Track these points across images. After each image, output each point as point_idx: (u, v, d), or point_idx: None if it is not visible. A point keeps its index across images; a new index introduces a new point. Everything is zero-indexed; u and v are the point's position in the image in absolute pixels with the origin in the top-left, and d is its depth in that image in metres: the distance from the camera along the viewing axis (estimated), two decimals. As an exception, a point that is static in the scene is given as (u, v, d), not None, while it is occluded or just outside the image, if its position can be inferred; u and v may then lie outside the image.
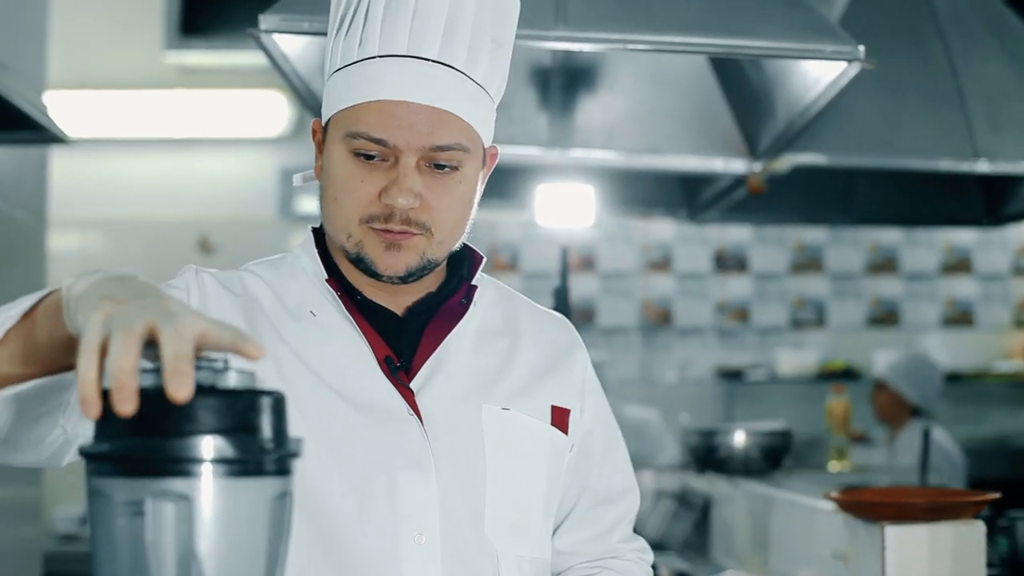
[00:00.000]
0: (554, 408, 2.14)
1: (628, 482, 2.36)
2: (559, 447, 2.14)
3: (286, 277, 2.13)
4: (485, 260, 2.22)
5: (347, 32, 2.01)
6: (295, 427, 1.92)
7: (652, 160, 4.66)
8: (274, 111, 8.22)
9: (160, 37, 7.90)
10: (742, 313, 8.43)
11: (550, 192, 4.68)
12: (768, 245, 8.44)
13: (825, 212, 5.88)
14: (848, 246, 8.44)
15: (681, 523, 5.55)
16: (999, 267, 8.51)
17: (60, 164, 5.67)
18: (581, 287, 8.09)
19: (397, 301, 2.10)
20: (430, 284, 2.12)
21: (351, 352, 2.04)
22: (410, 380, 2.03)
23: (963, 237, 8.46)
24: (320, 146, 2.09)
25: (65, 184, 6.56)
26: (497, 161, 2.16)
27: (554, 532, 2.23)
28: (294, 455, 1.42)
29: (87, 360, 1.29)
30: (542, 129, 4.58)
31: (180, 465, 1.31)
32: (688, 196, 5.50)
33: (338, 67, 2.03)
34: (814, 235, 8.40)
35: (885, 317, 8.46)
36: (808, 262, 8.44)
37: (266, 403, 1.36)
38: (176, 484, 1.30)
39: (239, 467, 1.34)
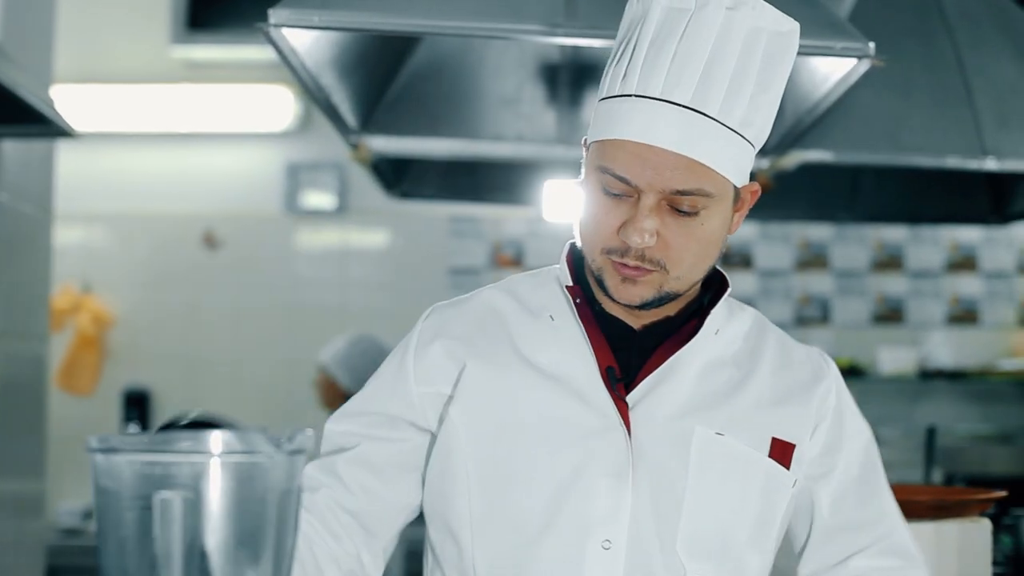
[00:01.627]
0: (775, 440, 2.13)
1: (883, 511, 2.29)
2: (777, 480, 2.13)
3: (539, 284, 2.23)
4: (730, 289, 2.21)
5: (617, 61, 2.05)
6: (507, 420, 2.06)
7: (659, 156, 4.65)
8: (281, 106, 8.21)
9: (167, 31, 7.89)
10: (747, 310, 8.43)
11: (557, 188, 4.68)
12: (773, 242, 8.42)
13: (831, 209, 5.88)
14: (853, 243, 8.42)
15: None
16: (1004, 265, 8.49)
17: (66, 158, 5.67)
18: (586, 283, 8.07)
19: (637, 316, 2.14)
20: (674, 306, 2.15)
21: (577, 357, 2.11)
22: (628, 393, 2.08)
23: (968, 235, 8.44)
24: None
25: (71, 178, 6.56)
26: (751, 197, 2.14)
27: (799, 560, 2.26)
28: (301, 451, 1.42)
29: None
30: (550, 125, 4.57)
31: (189, 459, 1.31)
32: (694, 193, 5.49)
33: (604, 95, 2.06)
34: (819, 232, 8.38)
35: (890, 315, 8.44)
36: (813, 259, 8.42)
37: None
38: (185, 479, 1.30)
39: (247, 462, 1.34)
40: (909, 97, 4.39)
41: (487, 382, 2.11)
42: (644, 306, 2.06)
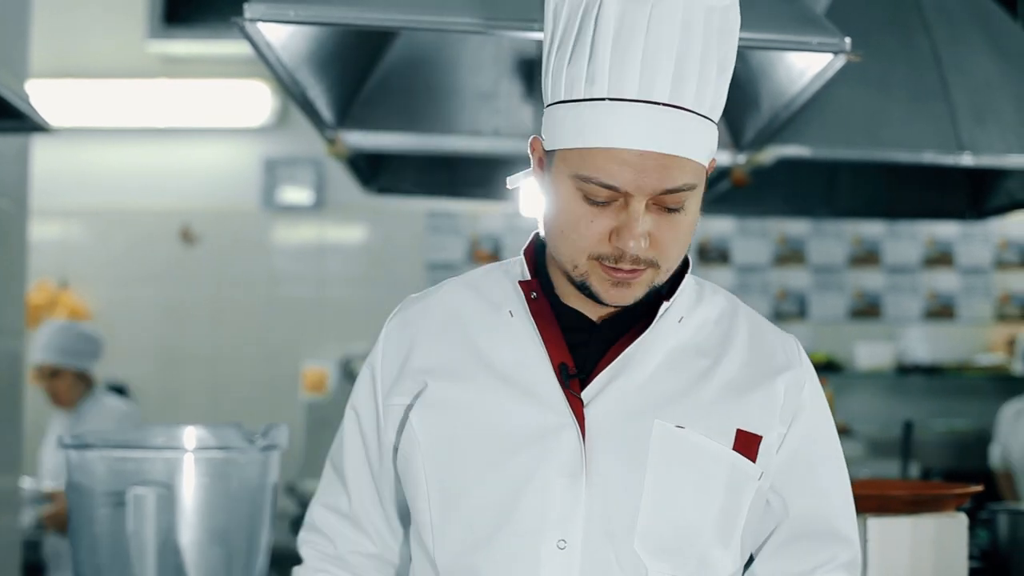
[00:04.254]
0: (740, 432, 2.07)
1: (841, 529, 2.20)
2: (743, 474, 2.07)
3: (503, 276, 2.20)
4: (690, 268, 2.18)
5: (570, 59, 1.98)
6: (464, 424, 2.04)
7: (637, 151, 4.65)
8: (257, 101, 8.20)
9: (143, 26, 7.88)
10: (725, 305, 8.44)
11: (534, 183, 4.66)
12: (751, 237, 8.43)
13: (808, 205, 5.87)
14: (831, 239, 8.44)
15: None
16: (981, 261, 8.52)
17: (42, 153, 5.65)
18: (564, 278, 8.07)
19: (596, 308, 2.10)
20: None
21: (532, 355, 2.08)
22: (584, 388, 2.05)
23: (945, 230, 8.47)
24: (541, 164, 2.08)
25: (47, 173, 6.55)
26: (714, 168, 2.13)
27: (756, 557, 2.19)
28: (275, 447, 1.41)
29: None
30: (527, 120, 4.57)
31: (162, 455, 1.31)
32: (672, 188, 5.48)
33: (563, 99, 2.00)
34: (797, 228, 8.40)
35: (867, 310, 8.46)
36: (791, 254, 8.43)
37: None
38: (158, 474, 1.29)
39: (220, 458, 1.33)
40: (886, 93, 4.39)
41: (445, 390, 2.09)
42: (633, 306, 2.05)
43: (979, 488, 3.29)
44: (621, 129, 1.93)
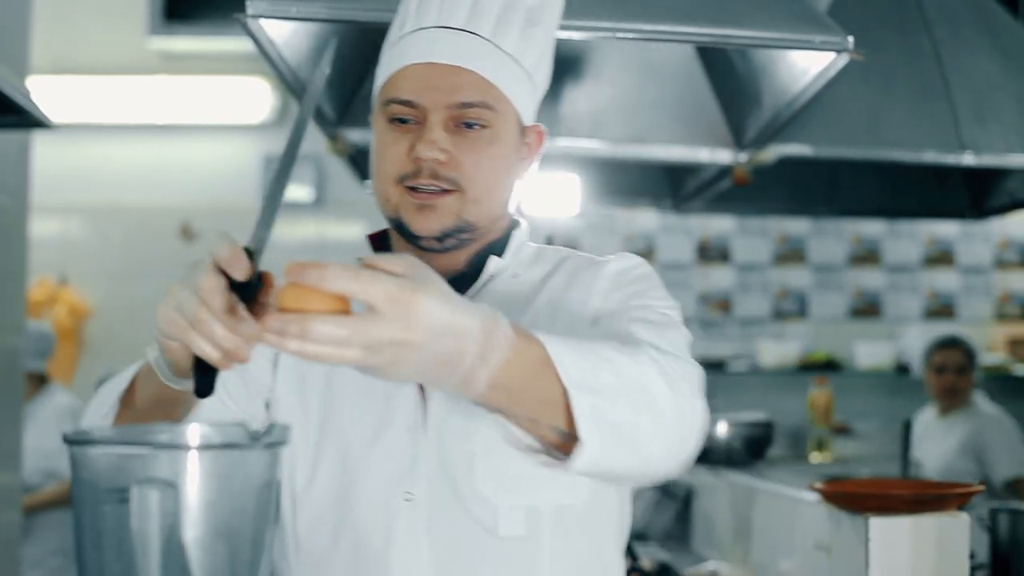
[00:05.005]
0: None
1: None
2: None
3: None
4: (524, 228, 2.23)
5: (395, 21, 2.13)
6: (320, 387, 2.07)
7: (638, 149, 4.64)
8: (258, 98, 8.20)
9: (144, 22, 7.88)
10: (724, 304, 8.43)
11: (535, 181, 4.66)
12: (751, 236, 8.43)
13: (809, 204, 5.87)
14: (831, 238, 8.44)
15: (663, 514, 5.55)
16: (981, 260, 8.52)
17: (43, 149, 5.65)
18: (564, 277, 8.07)
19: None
20: (465, 258, 2.14)
21: None
22: None
23: (946, 230, 8.47)
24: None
25: (47, 169, 6.54)
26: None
27: None
28: (281, 443, 1.41)
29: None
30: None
31: (166, 452, 1.30)
32: (673, 186, 5.49)
33: (384, 52, 2.13)
34: (797, 226, 8.40)
35: (867, 309, 8.46)
36: (791, 253, 8.44)
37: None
38: (162, 471, 1.29)
39: (225, 454, 1.33)
40: (887, 92, 4.39)
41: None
42: (443, 238, 2.05)
43: (980, 488, 3.29)
44: (417, 49, 2.05)
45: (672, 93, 4.57)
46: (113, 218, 8.25)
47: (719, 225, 8.38)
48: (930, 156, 4.32)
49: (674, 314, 2.02)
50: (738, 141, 4.43)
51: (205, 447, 1.32)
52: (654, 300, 2.05)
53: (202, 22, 7.88)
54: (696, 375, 1.84)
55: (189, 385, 1.59)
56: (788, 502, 3.94)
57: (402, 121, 2.04)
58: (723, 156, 4.52)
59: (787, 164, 4.40)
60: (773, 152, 4.26)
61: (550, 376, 1.60)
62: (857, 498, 3.26)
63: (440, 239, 2.06)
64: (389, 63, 2.09)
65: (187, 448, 1.31)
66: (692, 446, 1.78)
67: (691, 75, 4.47)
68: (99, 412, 1.89)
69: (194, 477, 1.31)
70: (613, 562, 2.18)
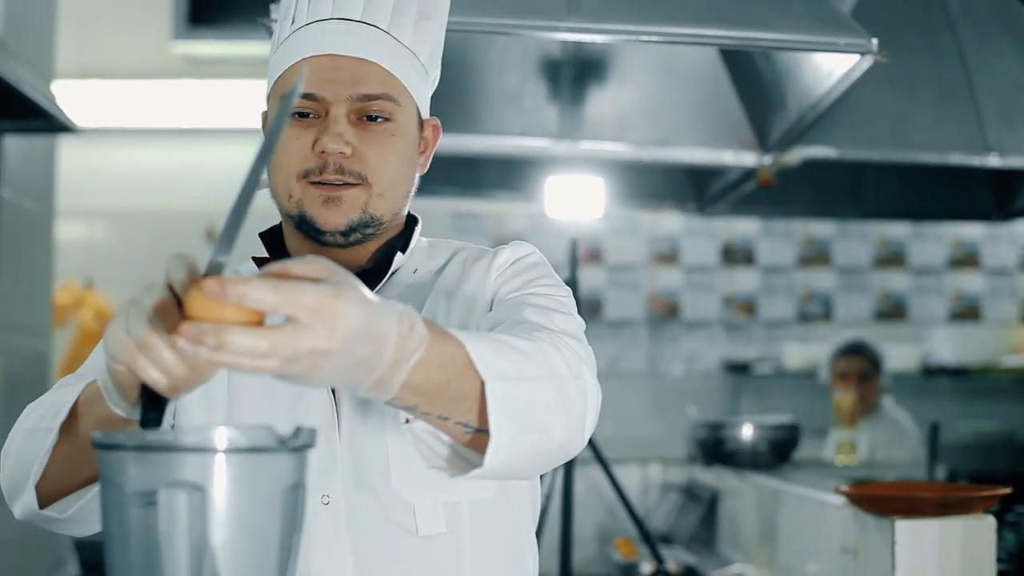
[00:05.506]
0: None
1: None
2: None
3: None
4: (420, 223, 2.22)
5: (283, 16, 2.12)
6: (229, 392, 2.03)
7: (662, 152, 4.65)
8: (282, 101, 8.22)
9: (168, 26, 7.90)
10: (749, 306, 8.42)
11: (559, 184, 4.66)
12: (776, 238, 8.42)
13: (833, 206, 5.86)
14: (856, 240, 8.42)
15: (688, 516, 5.54)
16: (1007, 262, 8.49)
17: (68, 154, 5.67)
18: (588, 280, 8.07)
19: None
20: (367, 255, 2.13)
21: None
22: None
23: (971, 232, 8.44)
24: (265, 121, 2.19)
25: (73, 174, 6.56)
26: (441, 138, 2.22)
27: None
28: (308, 446, 1.41)
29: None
30: (552, 121, 4.56)
31: (194, 455, 1.31)
32: (697, 189, 5.48)
33: (274, 46, 2.12)
34: (822, 229, 8.38)
35: (892, 311, 8.44)
36: (816, 256, 8.42)
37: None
38: (190, 474, 1.29)
39: (253, 458, 1.33)
40: (912, 94, 4.38)
41: None
42: (349, 232, 2.04)
43: (1007, 490, 3.29)
44: (315, 42, 2.03)
45: (696, 96, 4.57)
46: (138, 222, 8.27)
47: (743, 227, 8.37)
48: (955, 158, 4.31)
49: (567, 300, 2.01)
50: (762, 143, 4.43)
51: (232, 451, 1.32)
52: (546, 288, 2.04)
53: (227, 26, 7.89)
54: (590, 356, 1.84)
55: (137, 414, 1.51)
56: (814, 505, 3.93)
57: (302, 115, 2.02)
58: (747, 158, 4.52)
59: (811, 166, 4.40)
60: (797, 154, 4.26)
61: (465, 372, 1.58)
62: (883, 501, 3.25)
63: (345, 233, 2.04)
64: (284, 57, 2.07)
65: (215, 452, 1.31)
66: (590, 426, 1.77)
67: (715, 77, 4.47)
68: (34, 445, 1.83)
69: (221, 481, 1.31)
70: (528, 544, 2.17)
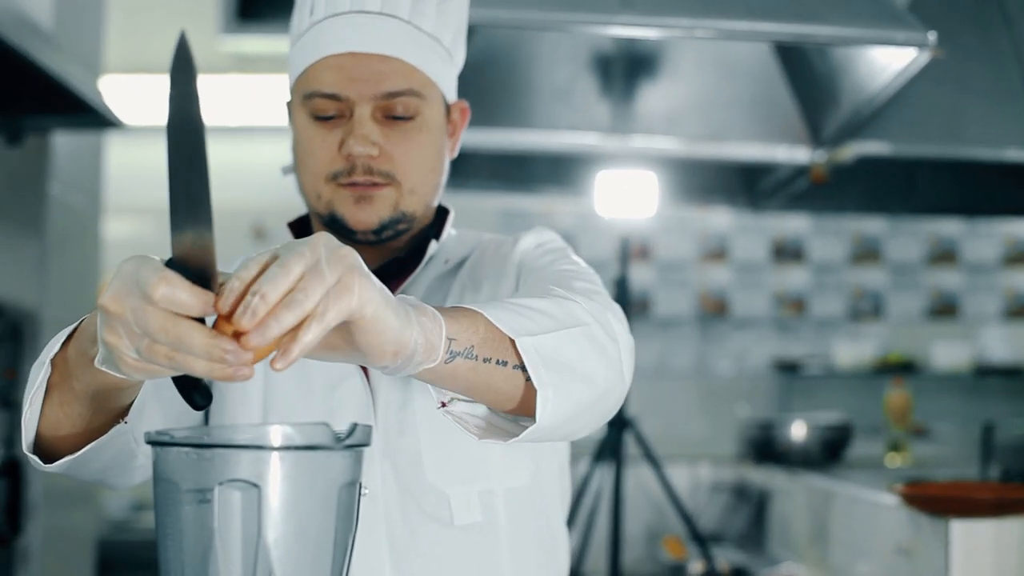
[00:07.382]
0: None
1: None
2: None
3: None
4: (452, 213, 2.21)
5: (299, 5, 2.10)
6: (264, 383, 2.01)
7: (714, 148, 4.62)
8: (329, 98, 8.22)
9: (217, 22, 7.91)
10: (799, 304, 8.38)
11: (610, 180, 4.64)
12: (826, 236, 8.37)
13: (886, 202, 5.82)
14: (907, 237, 8.37)
15: (738, 515, 5.52)
16: (1061, 259, 8.44)
17: (116, 150, 5.68)
18: (638, 277, 8.05)
19: (367, 258, 2.05)
20: (402, 245, 2.13)
21: None
22: None
23: (1024, 229, 8.39)
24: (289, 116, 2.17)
25: (120, 169, 6.58)
26: (469, 119, 2.18)
27: None
28: (363, 444, 1.40)
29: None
30: (603, 116, 4.55)
31: (249, 452, 1.29)
32: (748, 185, 5.45)
33: (294, 39, 2.10)
34: (873, 226, 8.33)
35: (944, 309, 8.38)
36: (867, 253, 8.37)
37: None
38: (245, 472, 1.28)
39: (308, 456, 1.32)
40: (967, 89, 4.35)
41: None
42: (381, 230, 2.03)
43: (1065, 491, 3.25)
44: (335, 38, 2.00)
45: (748, 91, 4.54)
46: (186, 218, 8.29)
47: (793, 225, 8.33)
48: (1010, 154, 4.28)
49: (592, 276, 1.98)
50: (815, 139, 4.40)
51: (287, 448, 1.30)
52: (569, 264, 2.02)
53: (275, 22, 7.90)
54: (617, 309, 1.82)
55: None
56: (867, 505, 3.90)
57: (326, 117, 2.02)
58: (800, 155, 4.49)
59: (863, 162, 4.37)
60: (851, 151, 4.23)
61: (495, 332, 1.56)
62: (938, 501, 3.22)
63: (377, 232, 2.04)
64: (304, 53, 2.06)
65: (270, 449, 1.30)
66: (628, 372, 1.76)
67: (768, 73, 4.44)
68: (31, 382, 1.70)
69: (276, 478, 1.29)
70: (561, 532, 2.17)
